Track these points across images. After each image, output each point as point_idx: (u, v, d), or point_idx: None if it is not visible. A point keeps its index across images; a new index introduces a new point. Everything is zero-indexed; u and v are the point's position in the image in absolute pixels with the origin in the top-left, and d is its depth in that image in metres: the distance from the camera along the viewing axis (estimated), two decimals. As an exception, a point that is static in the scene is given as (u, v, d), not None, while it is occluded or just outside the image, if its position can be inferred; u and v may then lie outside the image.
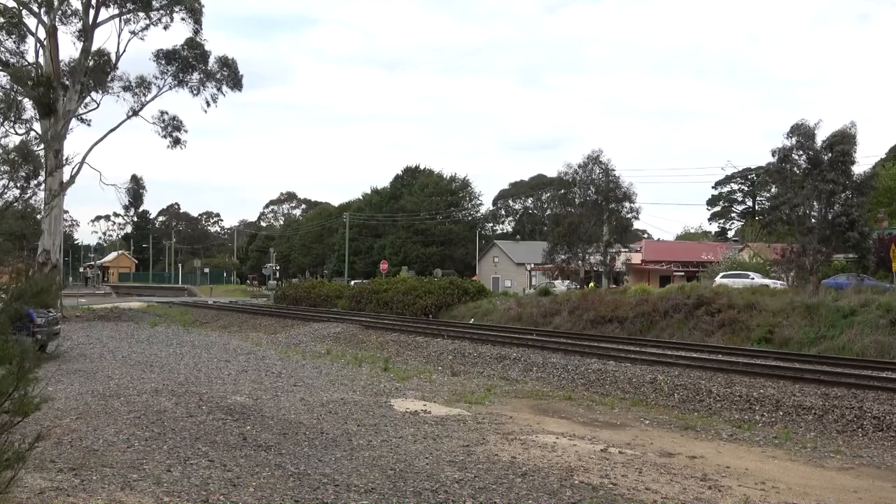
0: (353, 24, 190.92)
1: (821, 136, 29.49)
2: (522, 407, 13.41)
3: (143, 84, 37.23)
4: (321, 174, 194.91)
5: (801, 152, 29.67)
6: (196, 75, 37.65)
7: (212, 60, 37.86)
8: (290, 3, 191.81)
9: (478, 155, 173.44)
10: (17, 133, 33.29)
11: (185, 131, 38.73)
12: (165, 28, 36.82)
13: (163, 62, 37.28)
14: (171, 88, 37.75)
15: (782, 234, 32.37)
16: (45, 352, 18.47)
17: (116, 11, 35.47)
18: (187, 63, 37.35)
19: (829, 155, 28.85)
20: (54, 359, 18.14)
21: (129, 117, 37.30)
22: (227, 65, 38.15)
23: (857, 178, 29.18)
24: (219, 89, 38.02)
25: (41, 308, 18.66)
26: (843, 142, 28.78)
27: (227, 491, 7.02)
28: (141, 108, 37.33)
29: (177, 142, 38.50)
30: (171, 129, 38.42)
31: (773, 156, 30.33)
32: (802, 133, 29.68)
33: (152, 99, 37.74)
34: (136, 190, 39.40)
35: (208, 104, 38.06)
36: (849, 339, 20.54)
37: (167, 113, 38.47)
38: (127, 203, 40.62)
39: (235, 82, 38.32)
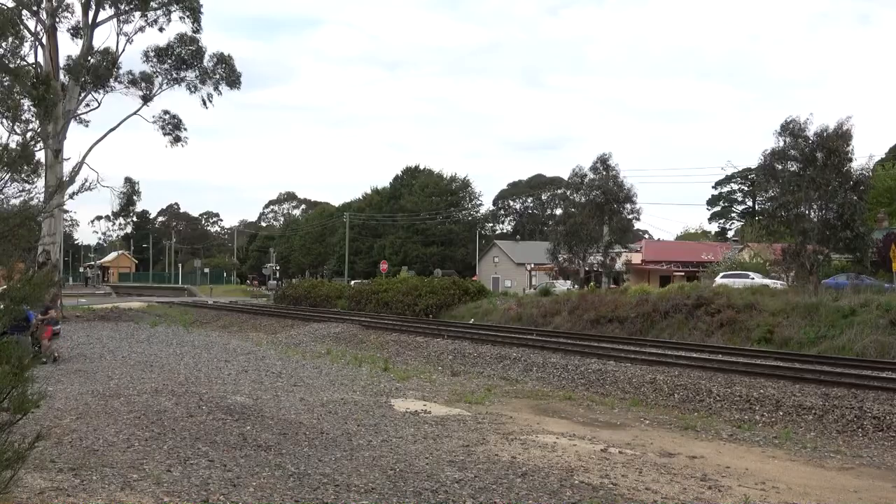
0: (355, 24, 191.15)
1: (813, 133, 29.29)
2: (522, 407, 13.40)
3: (147, 79, 37.09)
4: (321, 174, 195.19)
5: (793, 151, 29.52)
6: (192, 73, 37.49)
7: (207, 57, 37.67)
8: (292, 3, 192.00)
9: (478, 155, 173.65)
10: (16, 133, 33.18)
11: (185, 129, 38.62)
12: (160, 30, 36.64)
13: (154, 60, 37.11)
14: (168, 84, 37.60)
15: (780, 235, 32.37)
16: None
17: (115, 11, 35.45)
18: (181, 60, 37.17)
19: (822, 154, 28.69)
20: (53, 359, 18.14)
21: (133, 114, 37.17)
22: (224, 61, 37.86)
23: (854, 175, 29.03)
24: (216, 87, 37.82)
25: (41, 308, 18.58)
26: (837, 139, 28.60)
27: (227, 491, 7.01)
28: (144, 105, 37.17)
29: (177, 140, 38.32)
30: (171, 127, 38.27)
31: (764, 159, 30.21)
32: (792, 132, 29.52)
33: (153, 96, 37.61)
34: (129, 195, 38.53)
35: (205, 102, 37.78)
36: (849, 339, 20.52)
37: (168, 112, 38.38)
38: (118, 208, 39.54)
39: (233, 80, 38.05)
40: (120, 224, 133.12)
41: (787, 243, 31.06)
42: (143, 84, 37.02)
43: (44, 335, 18.23)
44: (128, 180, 38.97)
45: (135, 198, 38.84)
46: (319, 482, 7.44)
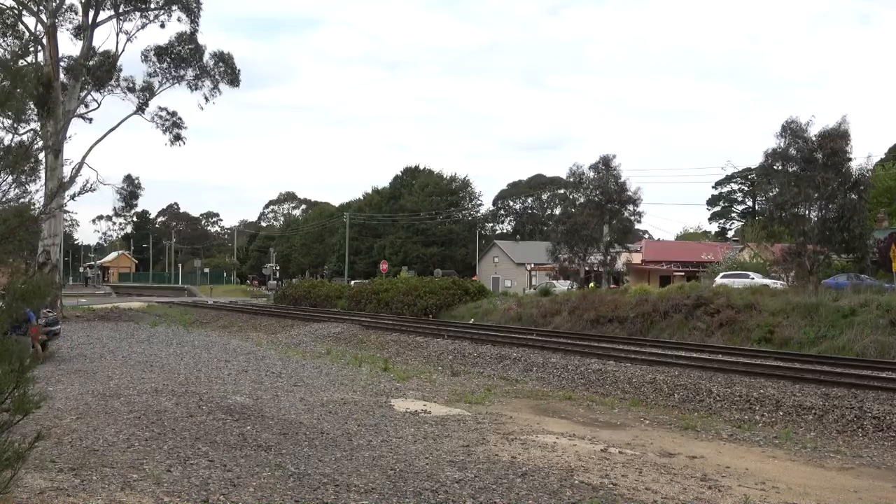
0: (355, 24, 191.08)
1: (813, 134, 29.33)
2: (522, 407, 13.40)
3: (147, 88, 37.14)
4: (321, 174, 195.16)
5: (793, 152, 29.53)
6: (191, 71, 37.49)
7: (207, 56, 37.65)
8: (292, 3, 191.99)
9: (478, 155, 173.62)
10: (18, 134, 33.11)
11: (185, 128, 38.66)
12: (162, 26, 36.73)
13: (154, 60, 37.11)
14: (168, 83, 37.57)
15: (780, 235, 32.36)
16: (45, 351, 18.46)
17: (115, 12, 35.46)
18: (181, 58, 37.16)
19: (821, 154, 28.72)
20: (53, 359, 18.15)
21: (132, 114, 37.21)
22: (223, 60, 37.81)
23: (854, 176, 29.04)
24: (215, 86, 37.81)
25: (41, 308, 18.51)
26: (836, 139, 28.61)
27: (227, 491, 7.01)
28: (143, 106, 37.15)
29: (177, 138, 38.35)
30: (171, 126, 38.31)
31: (766, 158, 30.23)
32: (793, 132, 29.54)
33: (152, 97, 37.65)
34: (131, 191, 38.61)
35: (207, 98, 37.80)
36: (849, 339, 20.52)
37: (166, 109, 38.37)
38: (121, 205, 39.67)
39: (232, 78, 38.01)
40: (120, 224, 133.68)
41: (788, 244, 31.06)
42: (143, 93, 37.09)
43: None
44: (127, 178, 39.00)
45: (138, 191, 38.86)
46: (319, 482, 7.44)
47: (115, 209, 41.50)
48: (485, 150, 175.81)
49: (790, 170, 29.65)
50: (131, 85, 37.05)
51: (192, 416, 10.97)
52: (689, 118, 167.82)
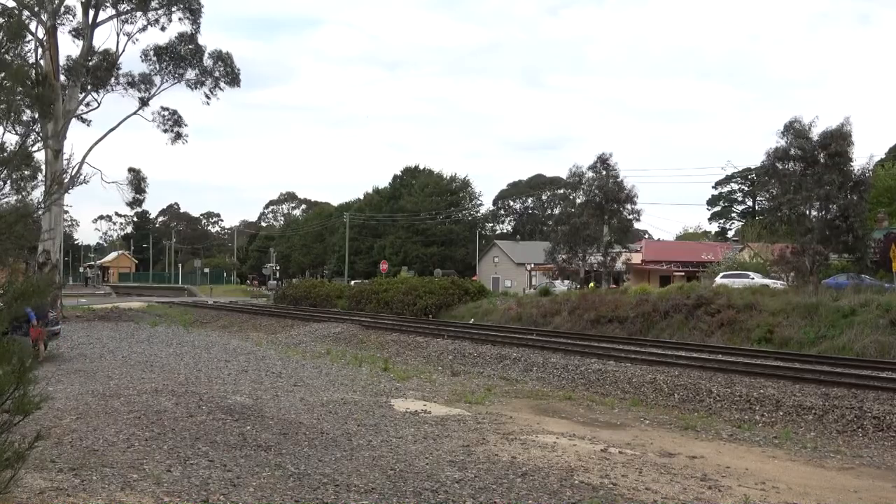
0: (355, 24, 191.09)
1: (816, 135, 29.32)
2: (522, 407, 13.40)
3: (146, 80, 37.14)
4: (321, 174, 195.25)
5: (795, 151, 29.51)
6: (191, 71, 37.50)
7: (206, 55, 37.64)
8: (292, 3, 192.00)
9: (478, 155, 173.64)
10: (16, 133, 33.14)
11: (185, 126, 38.70)
12: (162, 29, 36.78)
13: (154, 59, 37.09)
14: (168, 82, 37.57)
15: (781, 235, 32.35)
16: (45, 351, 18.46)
17: (115, 11, 35.47)
18: (181, 58, 37.16)
19: (823, 154, 28.70)
20: (53, 359, 18.14)
21: (133, 113, 37.22)
22: (222, 59, 37.85)
23: (855, 176, 29.02)
24: (216, 86, 37.81)
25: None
26: (838, 140, 28.59)
27: (227, 491, 7.01)
28: (144, 105, 37.16)
29: (178, 137, 38.38)
30: (172, 124, 38.33)
31: (767, 157, 30.23)
32: (796, 132, 29.50)
33: (153, 96, 37.65)
34: (136, 182, 38.61)
35: (207, 97, 37.78)
36: (849, 339, 20.53)
37: (168, 109, 38.40)
38: (131, 199, 39.68)
39: (233, 78, 38.05)
40: (120, 224, 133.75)
41: (789, 244, 31.03)
42: (143, 86, 37.08)
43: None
44: (132, 170, 39.02)
45: (142, 184, 38.85)
46: (319, 482, 7.44)
47: (126, 203, 41.15)
48: (485, 150, 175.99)
49: (791, 169, 29.65)
50: (132, 80, 37.06)
51: (192, 416, 10.97)
52: (689, 118, 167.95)
